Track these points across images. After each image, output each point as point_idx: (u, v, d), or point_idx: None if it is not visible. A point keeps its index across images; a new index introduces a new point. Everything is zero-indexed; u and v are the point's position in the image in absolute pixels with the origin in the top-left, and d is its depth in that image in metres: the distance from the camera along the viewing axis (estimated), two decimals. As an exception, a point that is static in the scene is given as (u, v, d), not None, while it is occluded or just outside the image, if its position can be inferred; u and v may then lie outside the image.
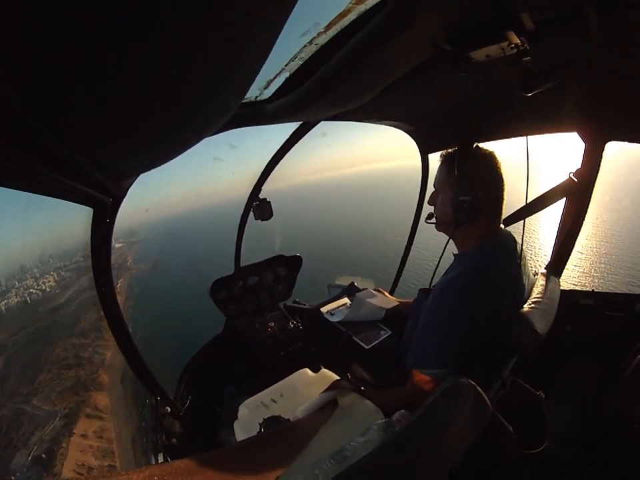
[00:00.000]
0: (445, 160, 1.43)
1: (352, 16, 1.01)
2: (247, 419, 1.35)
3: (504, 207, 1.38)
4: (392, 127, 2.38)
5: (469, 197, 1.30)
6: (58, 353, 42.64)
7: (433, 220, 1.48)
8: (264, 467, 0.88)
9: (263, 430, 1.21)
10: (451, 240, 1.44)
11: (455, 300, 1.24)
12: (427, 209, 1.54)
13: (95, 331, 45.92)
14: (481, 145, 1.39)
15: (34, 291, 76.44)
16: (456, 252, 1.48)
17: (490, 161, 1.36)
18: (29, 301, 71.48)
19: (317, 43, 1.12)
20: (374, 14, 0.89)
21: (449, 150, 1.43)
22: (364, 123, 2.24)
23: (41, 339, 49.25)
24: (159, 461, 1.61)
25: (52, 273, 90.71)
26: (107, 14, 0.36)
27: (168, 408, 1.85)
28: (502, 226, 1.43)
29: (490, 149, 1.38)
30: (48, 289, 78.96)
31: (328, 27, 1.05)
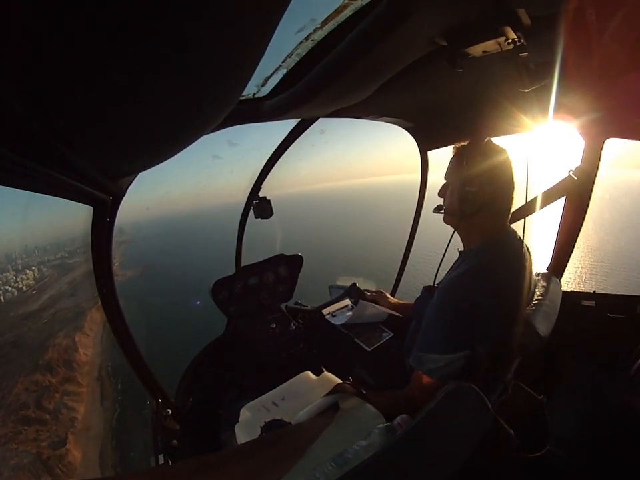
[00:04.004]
0: (457, 152, 1.45)
1: (348, 12, 1.01)
2: (249, 422, 1.35)
3: (512, 205, 1.39)
4: (393, 125, 2.36)
5: (474, 188, 1.32)
6: (17, 393, 32.86)
7: (442, 211, 1.50)
8: (265, 470, 0.88)
9: (264, 433, 1.20)
10: (456, 237, 1.44)
11: (460, 297, 1.24)
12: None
13: (64, 366, 37.38)
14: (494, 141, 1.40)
15: (10, 288, 74.23)
16: (461, 249, 1.49)
17: (500, 157, 1.37)
18: (2, 300, 68.85)
19: (313, 39, 1.12)
20: (370, 10, 0.89)
21: (462, 143, 1.45)
22: (364, 126, 2.24)
23: (2, 362, 39.79)
24: (160, 463, 1.61)
25: (34, 267, 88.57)
26: (106, 13, 0.36)
27: (169, 410, 1.85)
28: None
29: (503, 147, 1.39)
30: (25, 288, 75.58)
31: (324, 23, 1.05)
